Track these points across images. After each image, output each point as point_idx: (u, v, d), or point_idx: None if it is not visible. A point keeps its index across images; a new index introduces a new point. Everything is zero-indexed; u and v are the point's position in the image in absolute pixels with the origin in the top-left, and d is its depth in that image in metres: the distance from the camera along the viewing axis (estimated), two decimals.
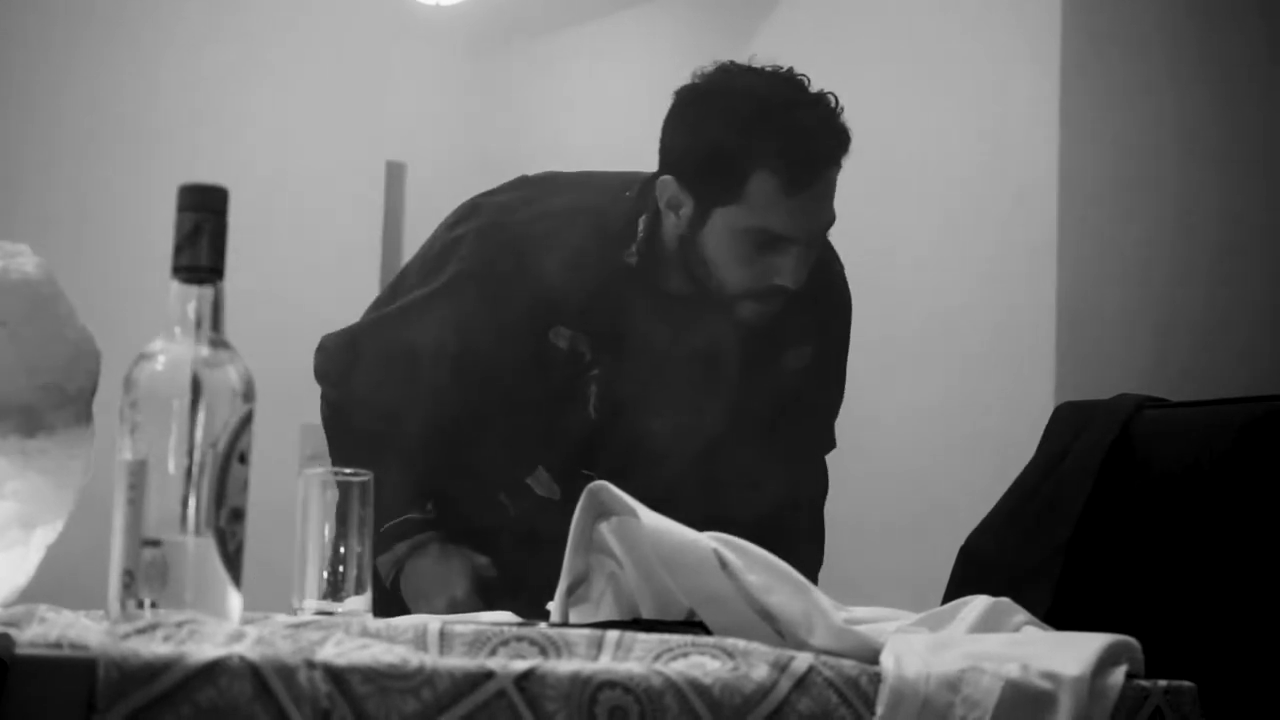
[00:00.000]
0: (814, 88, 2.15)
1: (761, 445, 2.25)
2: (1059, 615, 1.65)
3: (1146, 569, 1.92)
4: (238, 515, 1.14)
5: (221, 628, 1.06)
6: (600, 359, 2.20)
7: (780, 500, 2.27)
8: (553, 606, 1.56)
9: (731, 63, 2.18)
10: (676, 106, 2.20)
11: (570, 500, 2.14)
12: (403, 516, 2.17)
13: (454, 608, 2.10)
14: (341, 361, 2.28)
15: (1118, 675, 1.38)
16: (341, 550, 1.59)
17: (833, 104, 2.14)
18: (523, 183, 2.33)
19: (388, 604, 2.15)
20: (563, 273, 2.17)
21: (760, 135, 2.09)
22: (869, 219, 2.50)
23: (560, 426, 2.21)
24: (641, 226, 2.19)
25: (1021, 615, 1.54)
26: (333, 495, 1.61)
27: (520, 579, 2.16)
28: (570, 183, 2.31)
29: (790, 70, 2.15)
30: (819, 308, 2.29)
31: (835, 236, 2.25)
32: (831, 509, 2.42)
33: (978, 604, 1.53)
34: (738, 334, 2.19)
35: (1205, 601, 1.84)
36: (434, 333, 2.20)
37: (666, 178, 2.15)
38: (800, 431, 2.32)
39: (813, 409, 2.33)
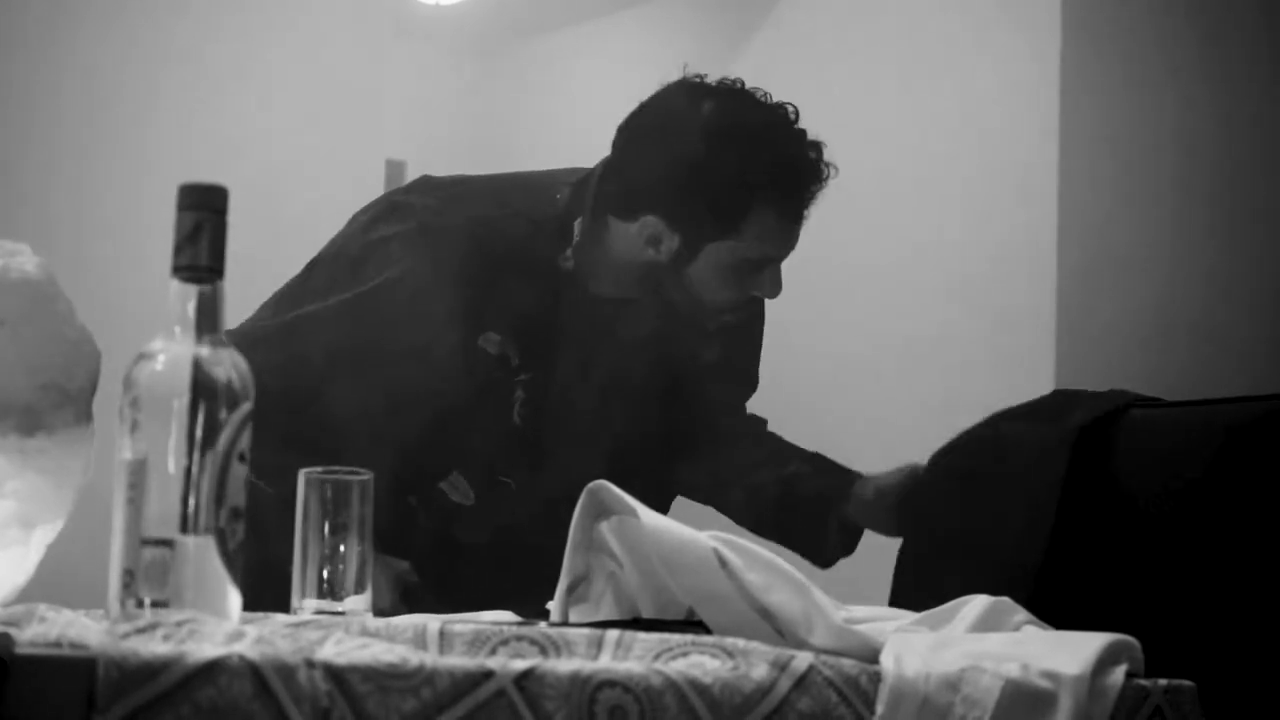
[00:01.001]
0: (772, 101, 2.19)
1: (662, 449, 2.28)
2: (1048, 609, 1.65)
3: (1140, 568, 1.92)
4: (238, 514, 1.14)
5: (221, 627, 1.06)
6: (528, 365, 2.19)
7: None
8: (552, 606, 1.56)
9: (695, 80, 2.19)
10: (650, 135, 2.19)
11: (484, 507, 2.16)
12: None
13: (381, 616, 2.05)
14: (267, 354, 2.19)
15: (1118, 674, 1.38)
16: (340, 549, 1.59)
17: (799, 123, 2.19)
18: (432, 184, 2.30)
19: None
20: (497, 278, 2.16)
21: (756, 172, 2.14)
22: (869, 219, 2.50)
23: (481, 431, 2.19)
24: (577, 231, 2.19)
25: (1021, 614, 1.54)
26: (332, 494, 1.60)
27: (442, 583, 2.14)
28: (489, 186, 2.28)
29: (752, 89, 2.19)
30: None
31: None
32: None
33: (978, 603, 1.53)
34: (659, 339, 2.23)
35: (1204, 601, 1.84)
36: (363, 335, 2.15)
37: (649, 218, 2.15)
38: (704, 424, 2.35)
39: (714, 402, 2.36)
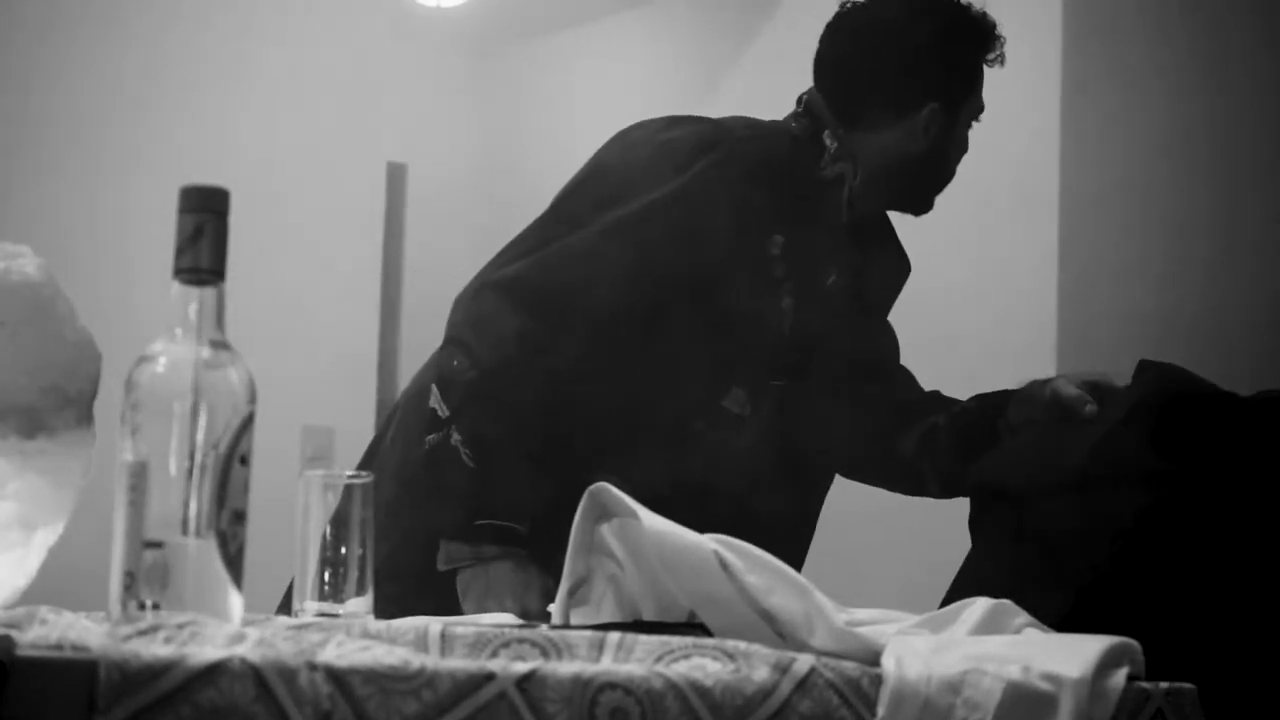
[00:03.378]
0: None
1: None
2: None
3: (1140, 570, 1.92)
4: (239, 517, 1.14)
5: (222, 629, 1.06)
6: (795, 273, 2.24)
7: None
8: (554, 608, 1.56)
9: None
10: (873, 31, 2.33)
11: (759, 416, 2.19)
12: (506, 523, 2.06)
13: (525, 617, 2.00)
14: (537, 294, 2.12)
15: (1119, 677, 1.38)
16: (342, 552, 1.59)
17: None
18: (681, 118, 2.34)
19: (426, 589, 2.06)
20: (774, 185, 2.22)
21: (969, 29, 2.34)
22: None
23: (758, 338, 2.23)
24: (828, 140, 2.28)
25: (1023, 617, 1.54)
26: (333, 497, 1.60)
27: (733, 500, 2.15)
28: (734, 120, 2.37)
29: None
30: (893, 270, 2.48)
31: None
32: (833, 509, 2.42)
33: (979, 606, 1.53)
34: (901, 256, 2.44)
35: (1205, 603, 1.84)
36: (683, 226, 2.16)
37: (933, 106, 2.30)
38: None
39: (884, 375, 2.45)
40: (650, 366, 2.16)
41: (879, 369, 2.42)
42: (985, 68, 2.36)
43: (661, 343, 2.17)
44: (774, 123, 2.32)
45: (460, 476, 2.06)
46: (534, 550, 2.07)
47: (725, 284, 2.19)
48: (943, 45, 2.31)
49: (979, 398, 2.34)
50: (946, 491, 2.34)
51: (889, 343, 2.45)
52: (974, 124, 2.37)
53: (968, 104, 2.35)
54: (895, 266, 2.46)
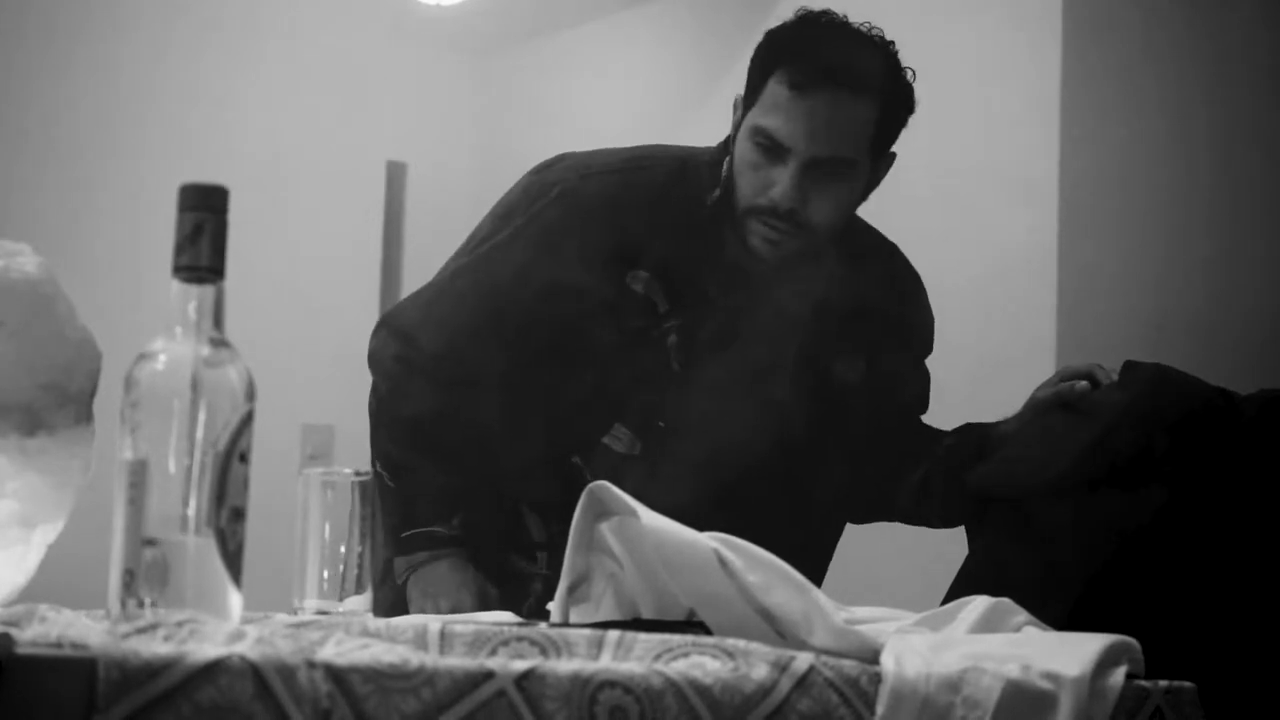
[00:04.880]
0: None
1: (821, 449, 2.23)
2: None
3: (1140, 569, 1.92)
4: (238, 515, 1.14)
5: (222, 627, 1.06)
6: (678, 309, 2.16)
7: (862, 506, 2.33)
8: (553, 606, 1.56)
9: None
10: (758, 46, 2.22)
11: (648, 455, 2.15)
12: (428, 528, 2.16)
13: (458, 613, 2.09)
14: (409, 322, 2.24)
15: (1118, 675, 1.38)
16: (341, 550, 1.59)
17: (870, 37, 2.14)
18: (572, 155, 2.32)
19: (395, 604, 2.17)
20: (642, 219, 2.16)
21: (782, 38, 2.13)
22: (867, 218, 2.51)
23: (640, 377, 2.17)
24: (725, 167, 2.17)
25: (1022, 615, 1.54)
26: (333, 495, 1.61)
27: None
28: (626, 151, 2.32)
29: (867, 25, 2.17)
30: (874, 322, 2.25)
31: None
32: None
33: (978, 604, 1.53)
34: (793, 312, 2.19)
35: (1204, 602, 1.84)
36: (517, 264, 2.17)
37: (738, 114, 2.16)
38: (858, 448, 2.27)
39: (866, 429, 2.27)
40: (518, 397, 2.20)
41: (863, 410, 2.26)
42: (791, 91, 2.08)
43: (527, 375, 2.19)
44: (670, 152, 2.24)
45: (387, 497, 2.17)
46: (483, 543, 2.18)
47: (582, 321, 2.16)
48: (754, 57, 2.16)
49: (959, 434, 2.27)
50: (948, 524, 2.33)
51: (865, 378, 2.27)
52: (760, 144, 2.10)
53: (748, 119, 2.12)
54: (859, 292, 2.25)
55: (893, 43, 2.17)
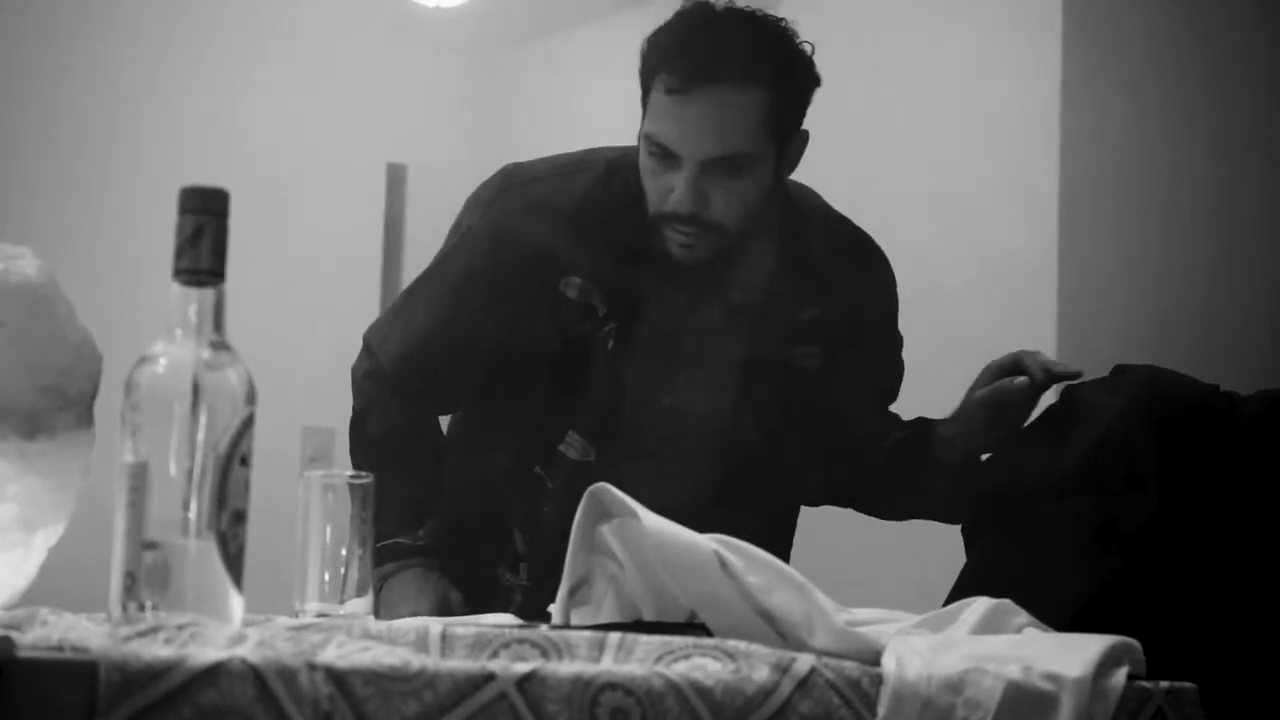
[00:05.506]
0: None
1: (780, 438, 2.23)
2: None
3: (1141, 569, 1.92)
4: (239, 517, 1.14)
5: (223, 630, 1.06)
6: (615, 311, 2.15)
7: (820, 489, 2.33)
8: (554, 609, 1.56)
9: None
10: None
11: (603, 462, 2.15)
12: (394, 540, 2.17)
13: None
14: (375, 338, 2.31)
15: (1119, 676, 1.38)
16: (342, 552, 1.59)
17: (755, 20, 2.07)
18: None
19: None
20: (568, 220, 2.15)
21: (660, 40, 2.06)
22: (867, 219, 2.51)
23: (586, 385, 2.16)
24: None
25: (1023, 617, 1.54)
26: (334, 498, 1.60)
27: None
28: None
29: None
30: (829, 313, 2.22)
31: None
32: (832, 509, 2.41)
33: (979, 605, 1.53)
34: (735, 306, 2.18)
35: (1206, 602, 1.84)
36: (457, 277, 2.22)
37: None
38: (825, 436, 2.26)
39: (831, 416, 2.25)
40: (480, 408, 2.26)
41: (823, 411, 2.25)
42: (671, 96, 2.02)
43: (484, 386, 2.23)
44: (602, 155, 2.21)
45: None
46: (453, 553, 2.21)
47: (522, 329, 2.17)
48: (640, 62, 2.10)
49: (910, 426, 2.27)
50: (898, 517, 2.35)
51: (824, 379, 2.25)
52: (653, 153, 2.06)
53: (643, 126, 2.08)
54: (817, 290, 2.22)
55: (783, 20, 2.09)
